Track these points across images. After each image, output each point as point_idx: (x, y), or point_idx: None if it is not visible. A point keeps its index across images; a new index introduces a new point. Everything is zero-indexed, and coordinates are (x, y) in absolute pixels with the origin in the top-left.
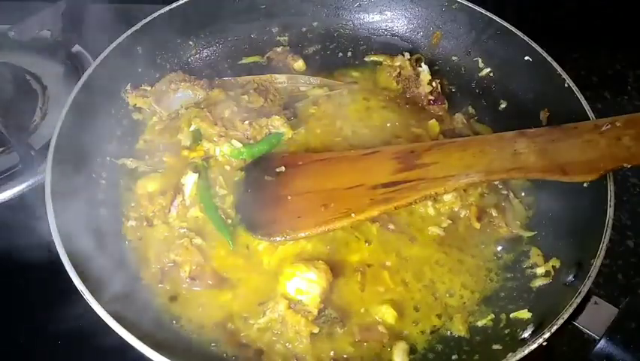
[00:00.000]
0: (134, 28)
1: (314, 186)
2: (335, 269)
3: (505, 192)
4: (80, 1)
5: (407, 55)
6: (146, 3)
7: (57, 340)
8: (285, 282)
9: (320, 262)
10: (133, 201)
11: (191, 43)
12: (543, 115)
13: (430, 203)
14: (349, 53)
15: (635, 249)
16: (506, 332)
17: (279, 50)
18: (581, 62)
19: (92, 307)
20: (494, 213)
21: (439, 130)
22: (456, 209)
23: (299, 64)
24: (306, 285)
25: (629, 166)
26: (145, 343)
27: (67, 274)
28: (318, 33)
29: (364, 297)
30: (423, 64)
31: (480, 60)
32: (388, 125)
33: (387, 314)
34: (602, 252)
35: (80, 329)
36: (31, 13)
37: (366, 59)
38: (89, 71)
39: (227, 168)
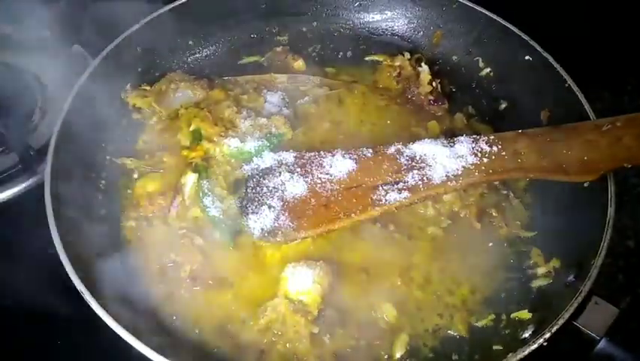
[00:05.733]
0: (133, 28)
1: (314, 187)
2: (335, 269)
3: (505, 192)
4: (79, 1)
5: (407, 55)
6: (146, 3)
7: (57, 340)
8: (286, 282)
9: (320, 262)
10: (133, 201)
11: (191, 43)
12: (543, 115)
13: (430, 203)
14: (349, 53)
15: (635, 249)
16: (507, 332)
17: (279, 49)
18: (582, 62)
19: (92, 307)
20: (494, 214)
21: (439, 130)
22: (456, 209)
23: (299, 64)
24: (307, 285)
25: (629, 166)
26: (145, 343)
27: (67, 274)
28: (318, 33)
29: (365, 297)
30: (423, 64)
31: (480, 60)
32: (388, 125)
33: (387, 313)
34: (602, 252)
35: (80, 329)
36: (31, 13)
37: (366, 58)
38: (89, 70)
39: (228, 168)
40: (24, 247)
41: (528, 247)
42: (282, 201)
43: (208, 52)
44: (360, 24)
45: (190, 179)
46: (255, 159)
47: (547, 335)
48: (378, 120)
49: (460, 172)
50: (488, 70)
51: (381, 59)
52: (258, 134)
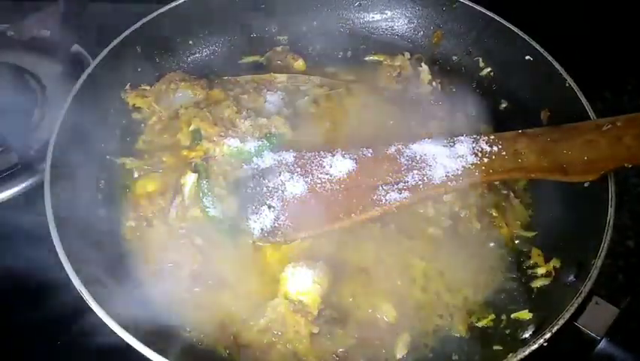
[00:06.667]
0: (133, 28)
1: (314, 187)
2: (335, 269)
3: (505, 192)
4: (79, 1)
5: (407, 54)
6: (146, 2)
7: (56, 340)
8: (286, 282)
9: (320, 262)
10: (132, 201)
11: (191, 42)
12: (544, 115)
13: (430, 203)
14: (349, 53)
15: (636, 249)
16: (507, 332)
17: (279, 49)
18: (582, 62)
19: (92, 307)
20: (494, 213)
21: (439, 130)
22: (456, 209)
23: (299, 63)
24: (307, 285)
25: (630, 166)
26: (144, 343)
27: (67, 274)
28: (318, 33)
29: (365, 297)
30: (423, 64)
31: (480, 60)
32: (388, 125)
33: (387, 313)
34: (603, 252)
35: (79, 329)
36: (31, 12)
37: (366, 58)
38: (89, 70)
39: (228, 168)
40: (24, 247)
41: (528, 247)
42: (282, 201)
43: (208, 52)
44: (360, 24)
45: (190, 179)
46: (255, 159)
47: (548, 335)
48: (378, 120)
49: (460, 172)
50: (488, 70)
51: (381, 59)
52: (258, 135)
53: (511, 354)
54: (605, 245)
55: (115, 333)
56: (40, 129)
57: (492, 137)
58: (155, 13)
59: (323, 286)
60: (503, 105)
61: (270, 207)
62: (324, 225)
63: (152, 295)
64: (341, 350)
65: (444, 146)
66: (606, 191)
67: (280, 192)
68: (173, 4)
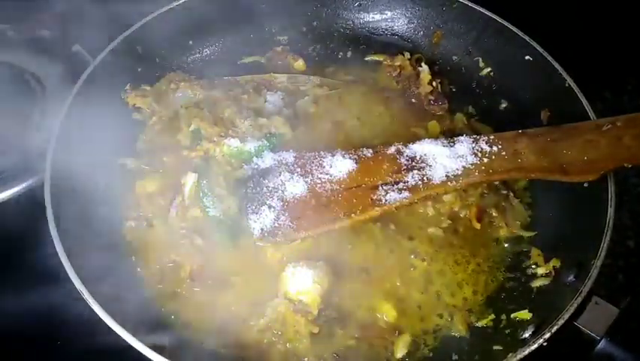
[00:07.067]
0: (133, 28)
1: (314, 187)
2: (336, 269)
3: (505, 192)
4: (80, 1)
5: (407, 54)
6: (146, 2)
7: (56, 340)
8: (286, 282)
9: (321, 262)
10: (132, 201)
11: (191, 43)
12: (544, 115)
13: (430, 203)
14: (349, 53)
15: (635, 249)
16: (507, 332)
17: (279, 49)
18: (582, 62)
19: (92, 307)
20: (494, 213)
21: (440, 130)
22: (456, 209)
23: (299, 63)
24: (307, 285)
25: (629, 166)
26: (144, 343)
27: (67, 274)
28: (318, 33)
29: (365, 297)
30: (423, 64)
31: (480, 60)
32: (388, 125)
33: (387, 313)
34: (602, 252)
35: (80, 328)
36: (31, 12)
37: (366, 58)
38: (89, 70)
39: (228, 168)
40: (24, 247)
41: (528, 247)
42: (282, 201)
43: (208, 52)
44: (360, 24)
45: (190, 179)
46: (255, 159)
47: (548, 335)
48: (379, 120)
49: (460, 172)
50: (488, 70)
51: (381, 58)
52: (258, 135)
53: (511, 354)
54: (605, 245)
55: (115, 332)
56: (40, 129)
57: (492, 137)
58: (155, 13)
59: (323, 286)
60: (503, 105)
61: (270, 207)
62: (324, 225)
63: (153, 295)
64: (341, 350)
65: (444, 146)
66: (606, 191)
67: (280, 192)
68: (174, 4)
